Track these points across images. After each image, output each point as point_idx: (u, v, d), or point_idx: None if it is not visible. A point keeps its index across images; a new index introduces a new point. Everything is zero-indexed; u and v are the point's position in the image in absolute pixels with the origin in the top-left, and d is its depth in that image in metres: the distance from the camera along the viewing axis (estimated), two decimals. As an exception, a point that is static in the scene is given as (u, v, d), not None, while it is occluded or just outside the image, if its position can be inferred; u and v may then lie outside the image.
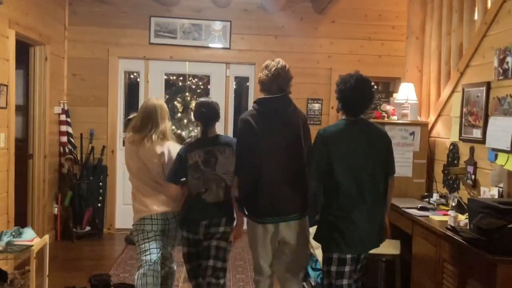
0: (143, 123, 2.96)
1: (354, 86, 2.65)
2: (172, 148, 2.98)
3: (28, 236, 2.74)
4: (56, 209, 5.27)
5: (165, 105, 3.08)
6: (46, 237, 2.91)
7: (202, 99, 3.01)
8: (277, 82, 2.80)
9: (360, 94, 2.68)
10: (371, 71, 5.89)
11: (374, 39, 5.84)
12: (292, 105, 2.88)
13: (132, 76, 6.07)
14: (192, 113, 3.01)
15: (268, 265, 2.90)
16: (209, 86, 5.96)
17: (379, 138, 2.76)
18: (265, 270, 2.91)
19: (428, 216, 3.35)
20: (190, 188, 2.89)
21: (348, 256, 2.65)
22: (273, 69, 2.80)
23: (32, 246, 2.67)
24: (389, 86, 6.37)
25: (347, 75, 2.71)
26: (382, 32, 5.83)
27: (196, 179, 2.85)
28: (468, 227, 2.82)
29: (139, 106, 3.27)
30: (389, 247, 3.69)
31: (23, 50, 4.76)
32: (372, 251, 3.58)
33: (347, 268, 2.66)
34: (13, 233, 2.72)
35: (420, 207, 3.55)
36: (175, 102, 6.45)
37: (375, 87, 2.76)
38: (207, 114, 2.90)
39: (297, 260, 2.90)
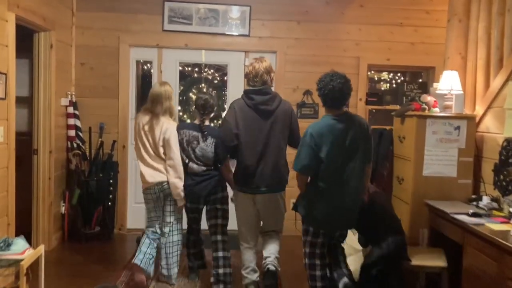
0: (153, 105, 3.63)
1: (330, 83, 2.95)
2: (172, 127, 3.63)
3: (18, 248, 2.33)
4: (63, 208, 4.93)
5: (168, 88, 3.68)
6: (41, 247, 2.51)
7: (201, 94, 3.69)
8: (262, 78, 3.39)
9: (336, 90, 2.94)
10: (402, 59, 5.44)
11: (406, 25, 5.37)
12: (277, 97, 3.43)
13: (145, 67, 5.69)
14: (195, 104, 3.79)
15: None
16: (225, 78, 5.54)
17: (360, 127, 3.05)
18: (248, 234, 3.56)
19: (483, 224, 2.88)
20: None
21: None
22: (257, 66, 3.40)
23: (21, 260, 2.28)
24: (420, 76, 5.90)
25: (324, 75, 3.03)
26: (415, 18, 5.35)
27: (181, 152, 3.60)
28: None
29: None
30: (432, 258, 3.26)
31: (29, 38, 4.41)
32: (415, 262, 3.17)
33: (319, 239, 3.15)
34: (1, 245, 2.33)
35: (472, 213, 3.08)
36: (190, 94, 6.05)
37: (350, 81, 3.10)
38: (204, 106, 3.60)
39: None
